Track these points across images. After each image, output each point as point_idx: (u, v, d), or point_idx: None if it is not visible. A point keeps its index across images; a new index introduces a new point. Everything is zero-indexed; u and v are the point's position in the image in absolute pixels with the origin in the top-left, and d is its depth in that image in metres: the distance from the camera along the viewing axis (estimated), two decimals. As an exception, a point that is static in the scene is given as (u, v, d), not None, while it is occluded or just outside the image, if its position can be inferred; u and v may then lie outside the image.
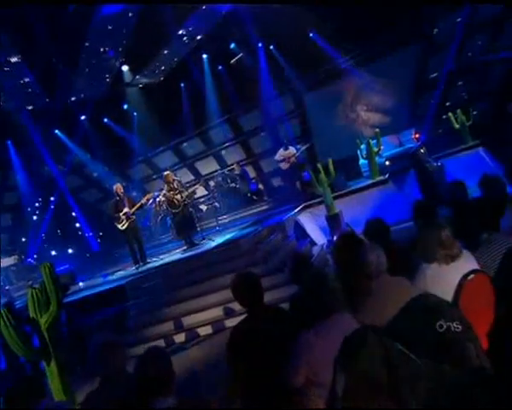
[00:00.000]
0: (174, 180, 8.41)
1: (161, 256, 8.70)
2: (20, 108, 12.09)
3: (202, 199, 12.97)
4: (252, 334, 2.71)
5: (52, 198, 14.26)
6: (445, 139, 10.15)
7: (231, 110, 14.22)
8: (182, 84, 14.44)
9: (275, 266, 6.57)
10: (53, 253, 13.07)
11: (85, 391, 2.62)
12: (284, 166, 11.57)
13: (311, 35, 12.70)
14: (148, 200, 8.62)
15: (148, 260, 8.46)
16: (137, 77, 13.35)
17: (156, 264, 8.10)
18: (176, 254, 8.43)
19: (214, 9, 11.35)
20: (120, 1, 9.61)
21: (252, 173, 14.43)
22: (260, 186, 13.85)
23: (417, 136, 11.40)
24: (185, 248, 8.44)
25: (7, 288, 10.52)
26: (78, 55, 10.80)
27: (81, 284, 9.50)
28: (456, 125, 9.75)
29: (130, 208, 8.21)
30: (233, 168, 13.35)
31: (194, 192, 9.42)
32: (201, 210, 12.21)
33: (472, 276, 2.48)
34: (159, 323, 6.63)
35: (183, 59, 13.28)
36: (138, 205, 8.32)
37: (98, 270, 10.54)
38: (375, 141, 9.90)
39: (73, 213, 14.85)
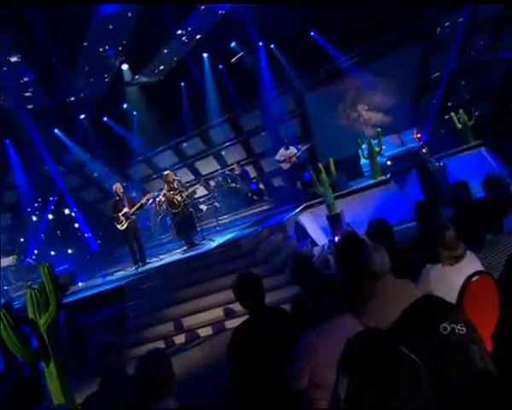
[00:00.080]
0: (174, 180, 8.37)
1: (161, 256, 8.67)
2: (19, 107, 12.05)
3: (202, 199, 12.94)
4: (253, 335, 2.69)
5: (51, 198, 14.21)
6: (447, 139, 10.13)
7: (232, 109, 14.17)
8: (182, 84, 14.40)
9: (275, 267, 6.55)
10: (52, 253, 13.02)
11: (85, 392, 2.61)
12: (285, 165, 11.53)
13: (312, 34, 12.66)
14: (147, 200, 8.58)
15: (148, 261, 8.43)
16: (137, 76, 13.31)
17: (156, 264, 8.07)
18: (176, 255, 8.39)
19: (213, 9, 11.32)
20: (120, 1, 9.58)
21: (252, 173, 14.37)
22: (261, 186, 13.81)
23: (419, 135, 11.37)
24: (185, 248, 8.40)
25: (5, 288, 10.47)
26: (77, 54, 10.79)
27: (80, 284, 9.46)
28: (459, 125, 9.74)
29: (130, 208, 8.18)
30: (233, 168, 13.30)
31: (194, 192, 9.38)
32: (201, 210, 12.17)
33: (476, 277, 2.46)
34: (159, 324, 6.60)
35: (183, 58, 13.25)
36: (138, 205, 8.29)
37: (98, 270, 10.51)
38: (376, 141, 9.87)
39: (73, 213, 14.81)
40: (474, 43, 11.83)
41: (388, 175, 9.30)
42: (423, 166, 8.92)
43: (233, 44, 13.67)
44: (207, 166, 15.06)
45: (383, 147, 9.90)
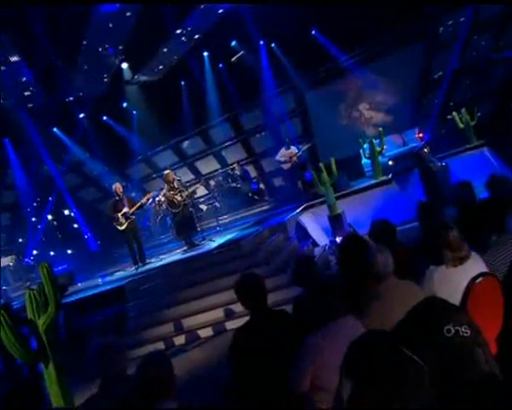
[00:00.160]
0: (174, 180, 8.33)
1: (161, 257, 8.65)
2: (18, 106, 11.99)
3: (202, 199, 12.91)
4: (255, 337, 2.68)
5: (50, 197, 14.15)
6: (449, 139, 10.08)
7: (232, 109, 14.11)
8: (182, 83, 14.34)
9: (277, 267, 6.52)
10: (51, 253, 12.96)
11: (84, 394, 2.61)
12: (286, 165, 11.49)
13: (313, 33, 12.61)
14: (147, 200, 8.53)
15: (148, 261, 8.40)
16: (137, 75, 13.25)
17: (156, 264, 8.03)
18: (176, 255, 8.37)
19: (213, 8, 11.27)
20: (119, 1, 9.54)
21: (253, 173, 14.31)
22: (261, 186, 13.75)
23: (421, 135, 11.32)
24: (185, 248, 8.36)
25: (4, 288, 10.41)
26: (77, 53, 10.76)
27: (80, 284, 9.40)
28: (461, 125, 9.71)
29: (130, 208, 8.14)
30: (234, 168, 13.24)
31: (194, 192, 9.34)
32: (202, 210, 12.12)
33: (481, 279, 2.43)
34: (159, 324, 6.55)
35: (184, 57, 13.20)
36: (138, 205, 8.24)
37: (97, 270, 10.46)
38: (378, 140, 9.83)
39: (72, 213, 14.74)
40: (477, 42, 11.79)
41: (390, 175, 9.25)
42: (425, 166, 8.90)
43: (233, 43, 13.61)
44: (207, 165, 15.01)
45: (385, 147, 9.86)
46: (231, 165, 13.76)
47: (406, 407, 1.01)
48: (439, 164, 8.90)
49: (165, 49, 12.26)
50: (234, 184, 12.66)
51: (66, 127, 13.68)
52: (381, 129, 10.17)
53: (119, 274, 8.60)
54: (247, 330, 2.77)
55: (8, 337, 3.97)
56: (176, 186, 8.21)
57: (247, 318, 2.92)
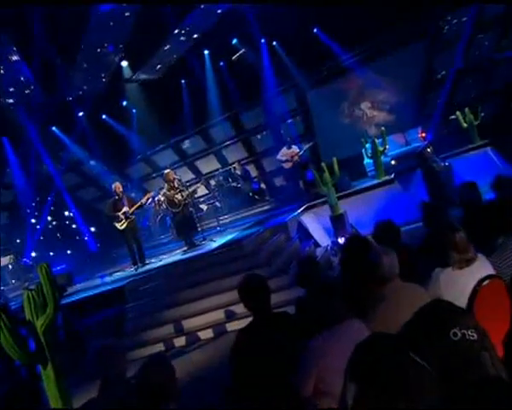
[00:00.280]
0: (174, 179, 8.27)
1: (161, 257, 8.60)
2: (16, 105, 11.91)
3: (203, 198, 12.85)
4: (258, 338, 2.66)
5: (49, 197, 14.08)
6: (453, 138, 10.01)
7: (233, 107, 14.04)
8: (182, 81, 14.27)
9: (278, 268, 6.49)
10: (50, 253, 12.89)
11: (83, 396, 2.59)
12: (287, 165, 11.41)
13: (315, 31, 12.54)
14: (147, 199, 8.45)
15: (148, 261, 8.35)
16: (137, 73, 13.17)
17: (156, 265, 8.00)
18: (176, 255, 8.32)
19: (214, 7, 11.20)
20: (119, 1, 9.51)
21: (254, 172, 14.25)
22: (262, 186, 13.68)
23: (424, 135, 11.26)
24: (185, 248, 8.31)
25: (2, 288, 10.34)
26: (76, 51, 10.70)
27: (78, 285, 9.32)
28: (464, 125, 9.64)
29: (130, 208, 8.07)
30: (234, 167, 13.16)
31: (194, 191, 9.27)
32: (202, 210, 12.07)
33: (487, 281, 2.42)
34: (158, 326, 6.52)
35: (184, 55, 13.14)
36: (138, 204, 8.18)
37: (96, 270, 10.41)
38: (380, 140, 9.76)
39: (71, 213, 14.66)
40: (480, 41, 11.73)
41: (392, 175, 9.19)
42: (428, 166, 8.84)
43: (234, 41, 13.54)
44: (208, 165, 14.95)
45: (387, 146, 9.78)
46: (232, 164, 13.66)
47: None
48: (442, 164, 8.85)
49: (165, 48, 12.19)
50: (234, 184, 12.58)
51: (65, 126, 13.61)
52: (383, 128, 10.09)
53: (118, 275, 8.55)
54: (250, 331, 2.75)
55: (5, 339, 3.89)
56: (176, 186, 8.15)
57: (248, 319, 2.90)
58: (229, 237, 7.98)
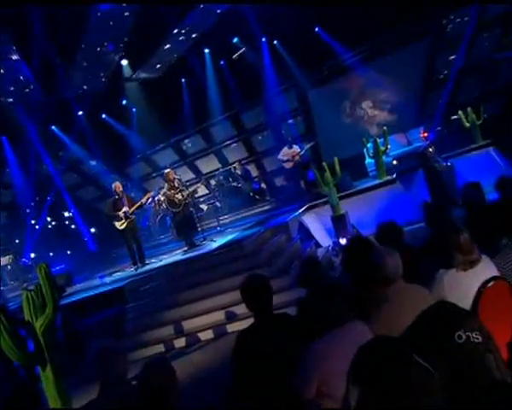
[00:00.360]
0: (175, 179, 8.24)
1: (161, 257, 8.57)
2: (16, 104, 11.88)
3: (203, 198, 12.83)
4: (259, 339, 2.64)
5: (48, 197, 14.04)
6: (455, 138, 9.98)
7: (233, 107, 14.01)
8: (183, 80, 14.24)
9: (279, 269, 6.46)
10: (49, 253, 12.84)
11: (83, 397, 2.56)
12: (288, 165, 11.38)
13: (316, 30, 12.51)
14: (147, 199, 8.41)
15: (147, 262, 8.31)
16: (137, 72, 13.13)
17: (156, 265, 7.96)
18: (176, 255, 8.28)
19: (214, 6, 11.15)
20: (118, 1, 9.49)
21: (254, 172, 14.23)
22: (263, 185, 13.63)
23: (425, 134, 11.23)
24: (186, 248, 8.28)
25: (1, 289, 10.30)
26: (76, 50, 10.68)
27: (78, 285, 9.28)
28: (467, 124, 9.61)
29: (130, 207, 8.02)
30: (235, 167, 13.12)
31: (195, 191, 9.22)
32: (202, 210, 12.03)
33: (492, 283, 2.40)
34: (159, 326, 6.48)
35: (185, 54, 13.11)
36: (138, 204, 8.15)
37: (96, 271, 10.37)
38: (382, 139, 9.74)
39: (70, 213, 14.62)
40: (482, 41, 11.69)
41: (394, 175, 9.16)
42: (430, 165, 8.82)
43: (235, 40, 13.51)
44: (208, 164, 14.92)
45: (389, 146, 9.73)
46: (232, 164, 13.63)
47: None
48: (445, 164, 8.82)
49: (165, 47, 12.17)
50: (235, 184, 12.53)
51: (65, 125, 13.58)
52: (385, 128, 10.06)
53: (118, 275, 8.51)
54: (251, 332, 2.72)
55: (4, 339, 3.90)
56: (176, 185, 8.12)
57: (248, 320, 2.87)
58: (229, 238, 7.96)
